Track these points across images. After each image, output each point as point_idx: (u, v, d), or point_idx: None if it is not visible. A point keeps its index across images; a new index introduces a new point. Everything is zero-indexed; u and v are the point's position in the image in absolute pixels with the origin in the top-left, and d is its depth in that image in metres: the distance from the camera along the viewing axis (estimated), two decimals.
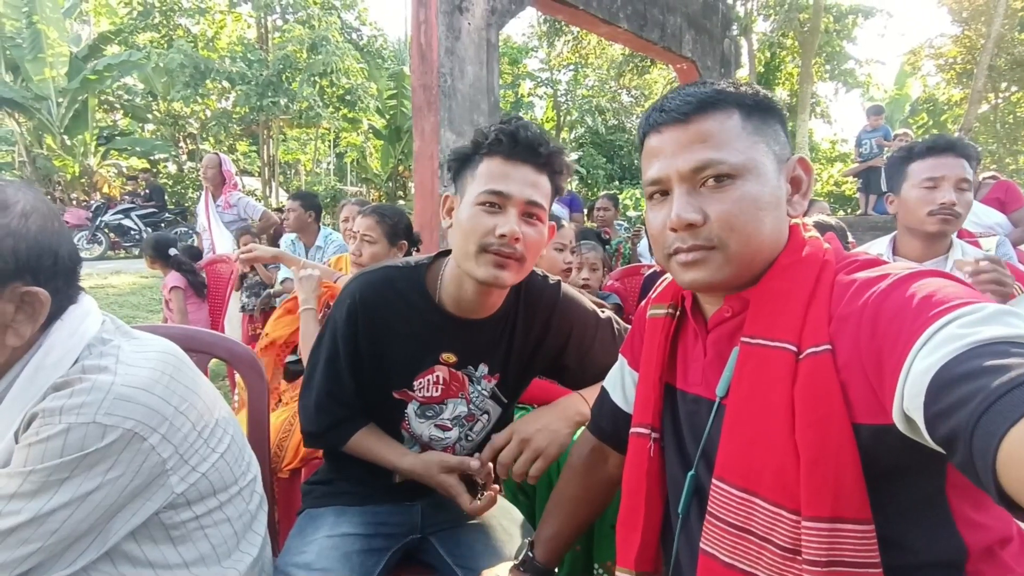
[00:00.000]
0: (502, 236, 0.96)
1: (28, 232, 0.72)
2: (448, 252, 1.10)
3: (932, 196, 1.54)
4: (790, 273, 0.68)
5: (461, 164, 1.05)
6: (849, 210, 14.66)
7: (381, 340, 1.09)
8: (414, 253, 2.23)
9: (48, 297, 0.74)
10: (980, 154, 1.56)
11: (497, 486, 1.08)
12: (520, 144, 0.98)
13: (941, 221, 1.54)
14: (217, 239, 4.14)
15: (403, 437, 1.16)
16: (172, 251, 3.46)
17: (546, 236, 1.05)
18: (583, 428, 1.06)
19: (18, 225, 0.71)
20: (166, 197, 11.94)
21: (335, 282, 2.02)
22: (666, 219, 0.70)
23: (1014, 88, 15.88)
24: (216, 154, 4.30)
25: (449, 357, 1.11)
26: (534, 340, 1.17)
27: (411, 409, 1.13)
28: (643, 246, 4.64)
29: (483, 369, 1.14)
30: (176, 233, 9.10)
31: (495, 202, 0.97)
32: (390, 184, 16.88)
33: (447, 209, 1.08)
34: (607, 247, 4.33)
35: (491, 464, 1.07)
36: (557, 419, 1.10)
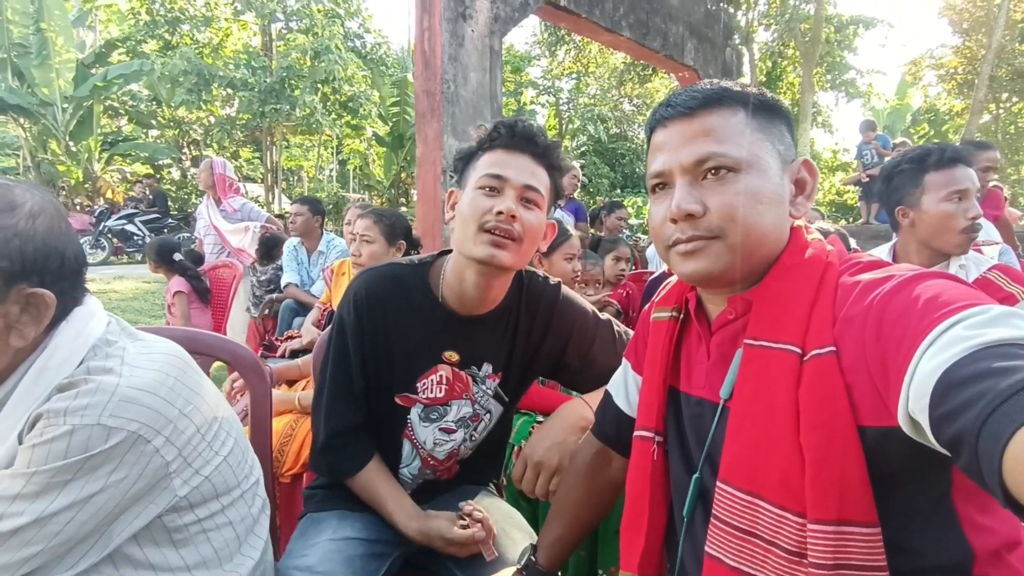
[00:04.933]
0: (499, 214, 0.98)
1: (35, 233, 0.72)
2: (450, 251, 1.11)
3: (962, 209, 1.47)
4: (793, 274, 0.68)
5: (466, 162, 1.08)
6: (851, 219, 14.67)
7: (384, 336, 1.09)
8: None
9: (54, 299, 0.73)
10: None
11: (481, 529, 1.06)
12: (518, 135, 1.03)
13: (969, 239, 1.48)
14: (228, 237, 4.13)
15: (403, 451, 1.15)
16: (176, 256, 3.47)
17: (544, 223, 1.07)
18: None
19: (26, 226, 0.71)
20: (169, 203, 11.97)
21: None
22: (667, 211, 0.70)
23: (1015, 99, 15.93)
24: (208, 158, 4.32)
25: (452, 355, 1.12)
26: (535, 340, 1.17)
27: (415, 414, 1.13)
28: (651, 251, 4.66)
29: (487, 368, 1.15)
30: (179, 238, 9.14)
31: (494, 185, 1.01)
32: (392, 191, 16.92)
33: (451, 203, 1.10)
34: None
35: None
36: (563, 430, 1.11)
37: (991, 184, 3.28)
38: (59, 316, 0.76)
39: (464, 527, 1.06)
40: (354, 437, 1.12)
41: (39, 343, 0.76)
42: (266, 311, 3.70)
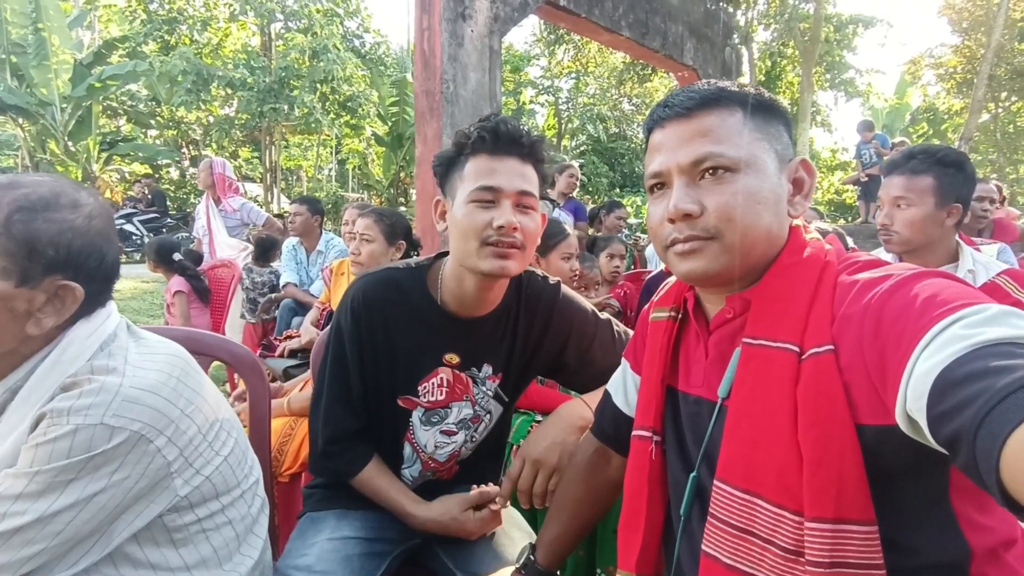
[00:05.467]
0: (500, 228, 0.98)
1: (88, 233, 0.76)
2: (447, 253, 1.11)
3: (878, 215, 1.64)
4: (792, 273, 0.68)
5: (447, 167, 1.07)
6: (850, 218, 14.69)
7: (385, 340, 1.09)
8: (413, 256, 2.25)
9: (83, 293, 0.76)
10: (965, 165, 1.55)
11: (497, 505, 1.09)
12: (502, 138, 1.00)
13: (884, 240, 1.63)
14: (218, 244, 4.14)
15: (404, 453, 1.15)
16: (176, 256, 3.47)
17: (540, 224, 1.07)
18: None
19: (82, 224, 0.76)
20: (168, 203, 11.95)
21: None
22: (665, 211, 0.71)
23: (1014, 98, 15.94)
24: (208, 158, 4.33)
25: (452, 358, 1.12)
26: (535, 339, 1.17)
27: (416, 417, 1.13)
28: (651, 251, 4.67)
29: (487, 370, 1.15)
30: (178, 238, 9.13)
31: (488, 198, 0.99)
32: (392, 190, 16.90)
33: (439, 213, 1.10)
34: None
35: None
36: (562, 430, 1.11)
37: (990, 215, 3.25)
38: (79, 315, 0.78)
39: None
40: (351, 442, 1.12)
41: (53, 337, 0.77)
42: (264, 315, 3.69)
